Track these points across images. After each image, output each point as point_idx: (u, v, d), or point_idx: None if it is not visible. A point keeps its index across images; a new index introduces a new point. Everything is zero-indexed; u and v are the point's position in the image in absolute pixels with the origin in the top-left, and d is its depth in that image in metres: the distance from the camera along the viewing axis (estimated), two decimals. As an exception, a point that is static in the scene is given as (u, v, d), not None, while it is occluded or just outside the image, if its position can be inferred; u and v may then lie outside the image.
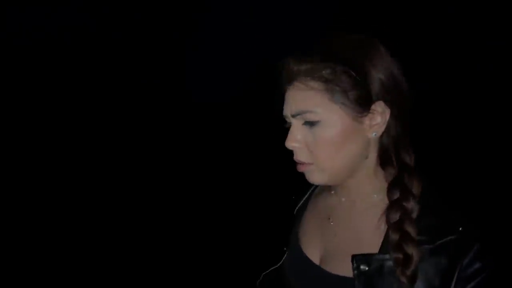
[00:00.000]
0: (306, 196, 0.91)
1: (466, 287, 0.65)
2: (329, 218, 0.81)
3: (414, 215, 0.69)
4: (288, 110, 0.73)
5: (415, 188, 0.71)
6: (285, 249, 0.87)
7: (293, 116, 0.72)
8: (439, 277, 0.66)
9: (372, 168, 0.74)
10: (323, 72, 0.69)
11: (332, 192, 0.82)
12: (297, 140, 0.72)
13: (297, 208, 0.91)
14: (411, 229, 0.67)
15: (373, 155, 0.74)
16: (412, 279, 0.66)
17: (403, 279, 0.65)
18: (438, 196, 0.73)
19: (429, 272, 0.66)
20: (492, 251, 0.68)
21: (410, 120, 0.74)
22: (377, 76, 0.69)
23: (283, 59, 0.74)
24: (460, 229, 0.67)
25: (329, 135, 0.70)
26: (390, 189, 0.71)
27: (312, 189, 0.91)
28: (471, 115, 3.28)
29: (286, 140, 0.73)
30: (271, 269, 0.88)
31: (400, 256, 0.66)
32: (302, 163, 0.74)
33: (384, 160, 0.74)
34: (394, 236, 0.68)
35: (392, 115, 0.71)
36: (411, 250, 0.66)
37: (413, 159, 0.74)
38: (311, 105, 0.70)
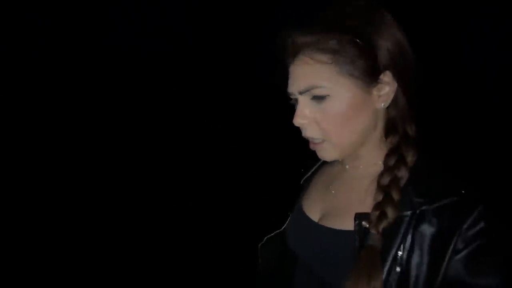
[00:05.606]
0: (314, 169, 0.94)
1: (468, 248, 0.65)
2: (330, 186, 0.84)
3: (403, 182, 0.70)
4: (295, 87, 0.71)
5: (411, 157, 0.72)
6: (289, 214, 0.91)
7: (301, 93, 0.71)
8: (440, 237, 0.66)
9: (378, 138, 0.76)
10: (330, 43, 0.67)
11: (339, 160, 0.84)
12: (305, 116, 0.71)
13: (304, 179, 0.94)
14: (395, 194, 0.69)
15: (380, 126, 0.75)
16: (384, 232, 0.67)
17: (375, 232, 0.67)
18: (441, 164, 0.74)
19: (430, 233, 0.66)
20: (495, 213, 0.68)
21: (416, 91, 0.74)
22: (385, 44, 0.68)
23: (283, 32, 0.71)
24: (462, 191, 0.67)
25: (339, 109, 0.69)
26: (387, 156, 0.74)
27: (320, 162, 0.93)
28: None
29: (294, 117, 0.72)
30: (275, 232, 0.91)
31: (377, 213, 0.68)
32: (313, 140, 0.74)
33: (389, 130, 0.75)
34: (378, 197, 0.70)
35: (399, 85, 0.71)
36: (389, 209, 0.68)
37: (414, 130, 0.75)
38: (318, 80, 0.68)
